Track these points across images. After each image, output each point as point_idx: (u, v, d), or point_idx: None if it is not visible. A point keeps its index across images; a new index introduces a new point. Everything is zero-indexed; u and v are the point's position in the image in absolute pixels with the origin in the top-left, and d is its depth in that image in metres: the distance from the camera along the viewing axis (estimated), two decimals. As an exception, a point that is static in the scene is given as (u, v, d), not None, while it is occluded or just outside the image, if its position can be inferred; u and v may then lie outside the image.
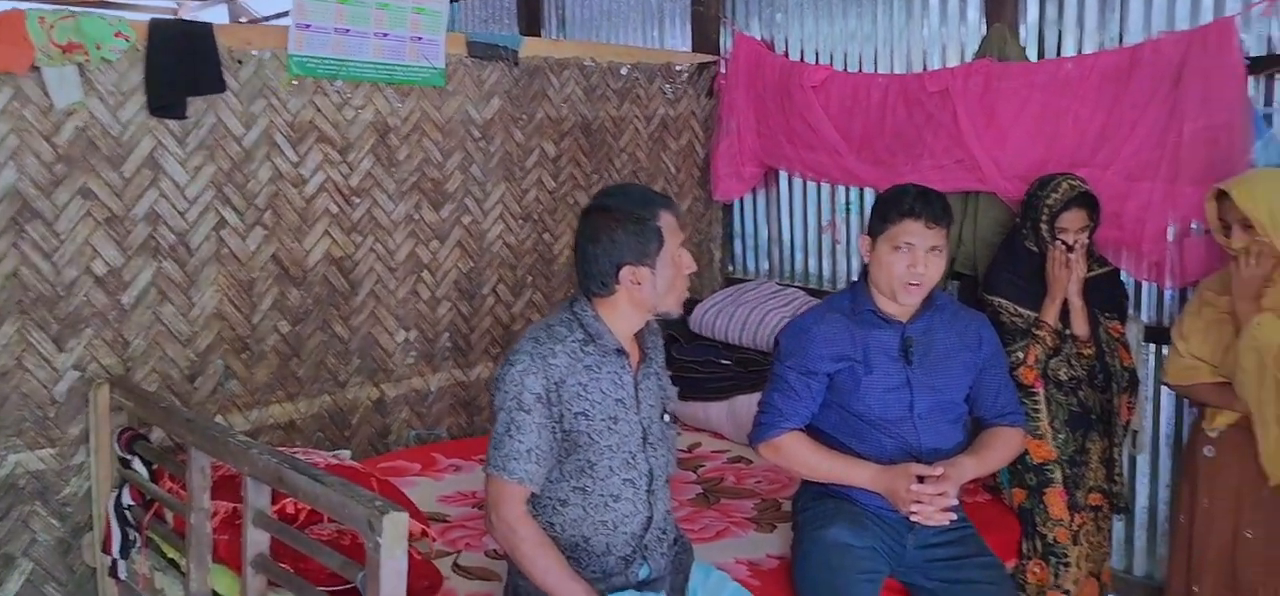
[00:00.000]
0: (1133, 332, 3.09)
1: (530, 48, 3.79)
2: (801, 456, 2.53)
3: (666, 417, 2.28)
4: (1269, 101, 2.97)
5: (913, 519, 2.41)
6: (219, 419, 3.18)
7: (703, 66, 4.30)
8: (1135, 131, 3.08)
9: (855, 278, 2.66)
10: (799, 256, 4.31)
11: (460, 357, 3.78)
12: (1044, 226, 2.93)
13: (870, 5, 3.92)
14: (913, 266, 2.41)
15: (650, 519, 2.21)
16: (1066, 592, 2.89)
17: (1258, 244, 2.53)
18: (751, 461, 3.42)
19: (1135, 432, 3.17)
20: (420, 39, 3.39)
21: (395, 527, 1.79)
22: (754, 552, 2.74)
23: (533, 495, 2.14)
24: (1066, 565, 2.89)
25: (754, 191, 4.37)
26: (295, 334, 3.35)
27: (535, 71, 3.80)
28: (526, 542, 2.08)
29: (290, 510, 2.37)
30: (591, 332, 2.15)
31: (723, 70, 4.28)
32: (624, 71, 4.06)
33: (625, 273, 2.11)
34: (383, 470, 3.19)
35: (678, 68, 4.24)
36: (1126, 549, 3.47)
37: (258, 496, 2.21)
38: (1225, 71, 2.89)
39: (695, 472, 3.39)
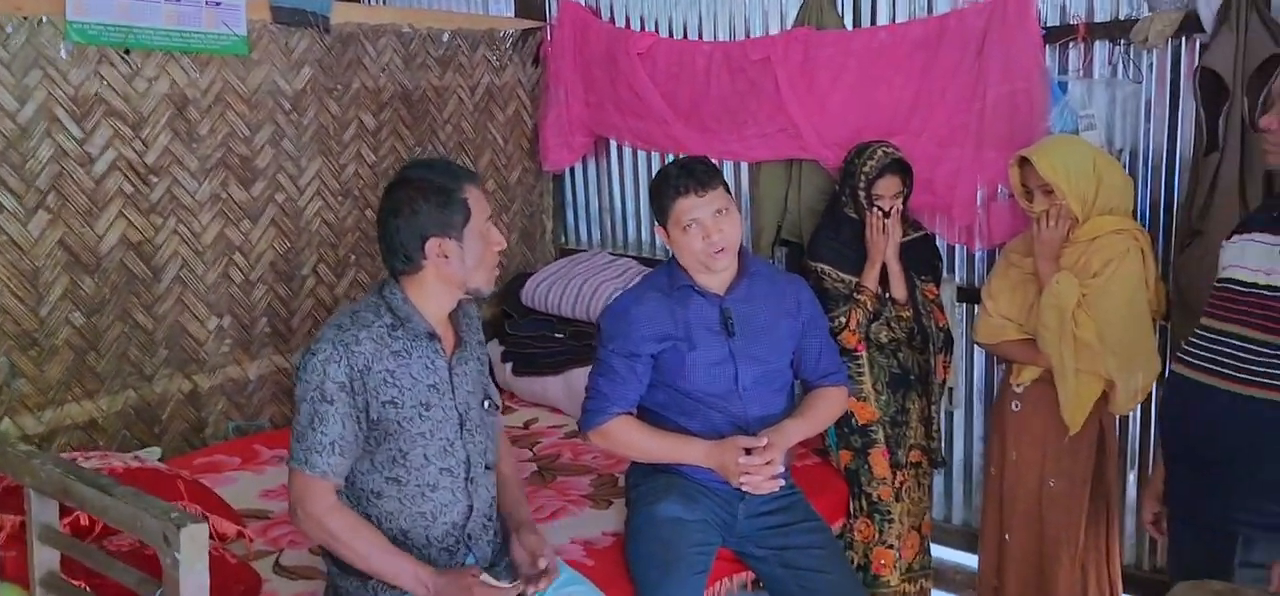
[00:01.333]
0: (947, 294, 3.21)
1: (342, 13, 3.59)
2: (632, 440, 2.51)
3: (487, 404, 2.21)
4: (1063, 69, 3.11)
5: (743, 489, 2.43)
6: (7, 422, 2.91)
7: (528, 33, 4.19)
8: (945, 99, 3.18)
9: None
10: (631, 225, 4.28)
11: (280, 343, 3.58)
12: (861, 193, 3.00)
13: (694, -28, 3.91)
14: (707, 238, 2.40)
15: (471, 508, 2.14)
16: (891, 547, 3.00)
17: (1056, 207, 2.66)
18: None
19: (950, 390, 3.31)
20: (218, 4, 3.16)
21: (193, 541, 1.66)
22: (590, 531, 2.71)
23: (345, 486, 2.04)
24: (890, 521, 3.00)
25: (584, 161, 4.31)
26: (91, 326, 3.09)
27: (349, 39, 3.61)
28: (340, 532, 1.99)
29: (85, 521, 2.18)
30: (400, 316, 2.06)
31: (549, 37, 4.19)
32: (445, 38, 3.91)
33: (431, 245, 2.03)
34: (198, 467, 3.01)
35: (501, 34, 4.12)
36: (945, 500, 3.63)
37: (43, 510, 2.02)
38: (1024, 40, 3.02)
39: (531, 450, 3.33)
